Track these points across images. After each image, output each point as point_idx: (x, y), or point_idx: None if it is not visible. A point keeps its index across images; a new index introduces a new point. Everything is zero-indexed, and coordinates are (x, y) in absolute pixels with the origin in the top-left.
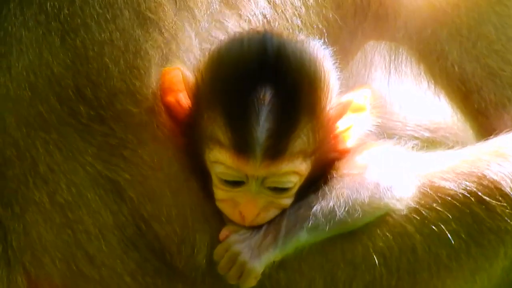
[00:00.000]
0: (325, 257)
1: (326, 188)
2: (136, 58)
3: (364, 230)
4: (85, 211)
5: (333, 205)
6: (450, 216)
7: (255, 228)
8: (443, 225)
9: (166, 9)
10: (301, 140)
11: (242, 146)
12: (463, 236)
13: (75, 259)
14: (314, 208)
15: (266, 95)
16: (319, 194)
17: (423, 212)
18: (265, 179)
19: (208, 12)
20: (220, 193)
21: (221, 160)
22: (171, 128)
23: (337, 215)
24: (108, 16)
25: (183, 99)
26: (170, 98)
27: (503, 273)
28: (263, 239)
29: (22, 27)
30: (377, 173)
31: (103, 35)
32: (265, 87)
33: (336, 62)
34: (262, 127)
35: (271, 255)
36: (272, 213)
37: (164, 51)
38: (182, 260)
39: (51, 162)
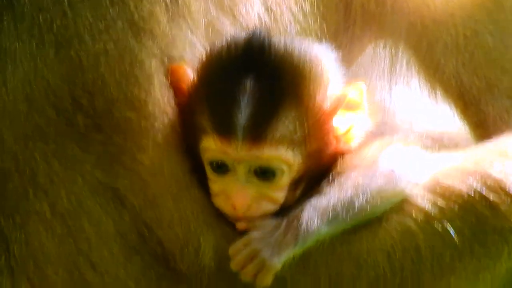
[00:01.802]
0: (331, 252)
1: (340, 180)
2: (132, 67)
3: (369, 226)
4: (86, 220)
5: (350, 195)
6: (454, 215)
7: (275, 224)
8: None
9: (159, 18)
10: (284, 126)
11: (224, 129)
12: (466, 235)
13: (77, 267)
14: (332, 200)
15: (248, 83)
16: (334, 185)
17: (427, 209)
18: (251, 166)
19: (204, 18)
20: (213, 186)
21: (207, 146)
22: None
23: (356, 205)
24: (101, 27)
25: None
26: (178, 97)
27: (507, 275)
28: (284, 236)
29: (16, 41)
30: (390, 160)
31: (97, 46)
32: (247, 75)
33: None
34: (242, 111)
35: (291, 251)
36: (265, 206)
37: (161, 59)
38: (186, 264)
39: (51, 173)
